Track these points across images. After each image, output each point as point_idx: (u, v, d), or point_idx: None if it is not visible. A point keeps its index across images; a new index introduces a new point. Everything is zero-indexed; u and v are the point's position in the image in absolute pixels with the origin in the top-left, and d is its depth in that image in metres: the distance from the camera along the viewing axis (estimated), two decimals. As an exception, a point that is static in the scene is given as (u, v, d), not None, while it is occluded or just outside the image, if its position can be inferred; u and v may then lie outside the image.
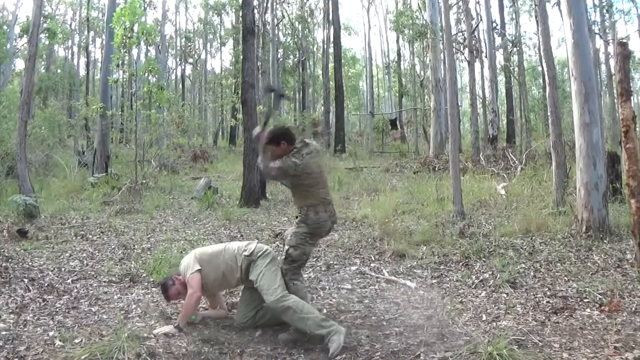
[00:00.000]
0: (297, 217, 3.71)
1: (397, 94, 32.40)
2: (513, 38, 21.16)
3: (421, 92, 25.48)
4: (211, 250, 3.81)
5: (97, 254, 5.60)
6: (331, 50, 27.03)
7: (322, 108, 29.32)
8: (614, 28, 21.46)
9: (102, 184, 10.11)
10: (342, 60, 27.86)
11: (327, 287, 4.69)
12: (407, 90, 30.42)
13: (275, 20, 24.30)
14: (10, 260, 4.93)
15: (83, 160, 13.84)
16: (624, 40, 5.77)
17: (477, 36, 18.59)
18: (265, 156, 3.60)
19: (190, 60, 36.18)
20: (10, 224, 6.47)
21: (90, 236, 6.42)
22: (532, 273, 4.61)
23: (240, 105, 12.51)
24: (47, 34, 25.58)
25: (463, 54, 16.70)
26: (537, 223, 5.99)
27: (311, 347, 3.34)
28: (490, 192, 8.81)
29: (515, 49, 20.53)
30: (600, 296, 3.87)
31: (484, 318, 3.74)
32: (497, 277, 4.52)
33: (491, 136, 15.66)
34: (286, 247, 3.60)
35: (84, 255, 5.52)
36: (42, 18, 16.79)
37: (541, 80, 21.22)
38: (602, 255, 4.91)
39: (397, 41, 30.32)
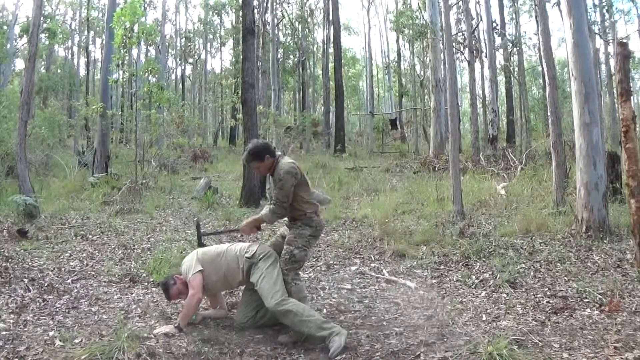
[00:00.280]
0: (295, 221, 3.69)
1: (397, 94, 32.39)
2: (513, 38, 21.16)
3: (421, 92, 25.47)
4: (213, 251, 3.80)
5: (97, 254, 5.60)
6: (331, 50, 27.04)
7: (322, 108, 29.33)
8: (614, 28, 21.46)
9: (102, 184, 10.11)
10: (342, 60, 27.86)
11: (327, 287, 4.69)
12: (407, 90, 30.41)
13: (275, 20, 24.26)
14: (10, 260, 4.93)
15: (83, 160, 13.85)
16: (624, 40, 5.78)
17: (477, 36, 18.58)
18: (277, 211, 3.57)
19: (190, 60, 36.16)
20: (10, 224, 6.48)
21: (90, 236, 6.43)
22: (532, 273, 4.61)
23: (240, 105, 12.51)
24: (47, 34, 25.56)
25: (463, 54, 16.70)
26: (537, 223, 5.99)
27: (311, 347, 3.35)
28: (490, 192, 8.81)
29: (515, 49, 20.53)
30: (600, 296, 3.87)
31: (484, 318, 3.74)
32: (497, 277, 4.52)
33: (491, 136, 15.65)
34: (290, 248, 3.59)
35: (84, 255, 5.52)
36: (42, 18, 16.78)
37: (541, 80, 21.21)
38: (602, 255, 4.91)
39: (397, 41, 30.33)
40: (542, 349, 3.07)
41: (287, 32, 31.39)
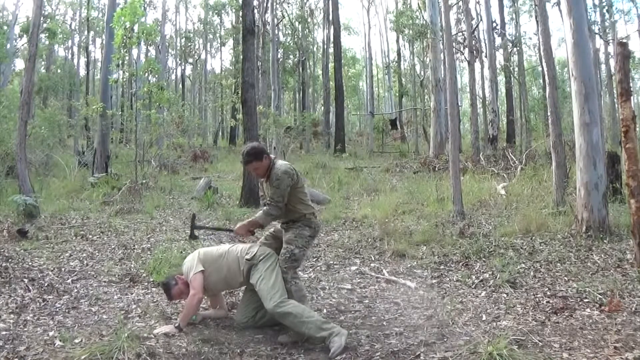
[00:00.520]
0: (294, 222, 3.69)
1: (397, 94, 32.38)
2: (513, 38, 21.16)
3: (421, 92, 25.47)
4: (215, 251, 3.80)
5: (97, 254, 5.60)
6: (331, 50, 27.02)
7: (322, 108, 29.34)
8: (614, 28, 21.50)
9: (102, 184, 10.11)
10: (342, 60, 27.85)
11: (327, 287, 4.69)
12: (407, 90, 30.41)
13: (275, 20, 24.27)
14: (10, 260, 4.92)
15: (83, 160, 13.85)
16: (624, 40, 5.78)
17: (477, 36, 18.57)
18: (272, 212, 3.57)
19: (190, 60, 36.16)
20: (10, 224, 6.47)
21: (90, 236, 6.42)
22: (532, 273, 4.61)
23: (240, 105, 12.50)
24: (47, 34, 25.57)
25: (463, 54, 16.68)
26: (537, 223, 5.99)
27: (311, 347, 3.35)
28: (490, 192, 8.81)
29: (515, 49, 20.53)
30: (600, 296, 3.87)
31: (484, 318, 3.74)
32: (497, 277, 4.52)
33: (491, 136, 15.65)
34: (290, 247, 3.60)
35: (84, 255, 5.51)
36: (42, 18, 16.80)
37: (541, 80, 21.21)
38: (602, 255, 4.91)
39: (397, 41, 30.32)
40: (542, 349, 3.07)
41: (287, 32, 31.37)
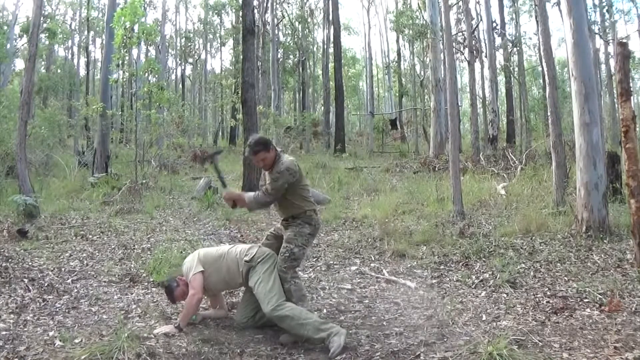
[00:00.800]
0: (295, 219, 3.70)
1: (397, 94, 32.37)
2: (513, 38, 21.16)
3: (421, 92, 25.47)
4: (215, 252, 3.80)
5: (97, 254, 5.60)
6: (331, 50, 27.01)
7: (322, 108, 29.32)
8: (614, 28, 21.49)
9: (102, 184, 10.10)
10: (342, 60, 27.83)
11: (327, 287, 4.69)
12: (407, 90, 30.41)
13: (275, 20, 24.29)
14: (10, 260, 4.92)
15: (83, 160, 13.84)
16: (624, 40, 5.78)
17: (477, 36, 18.58)
18: (261, 200, 3.58)
19: (190, 60, 36.16)
20: (10, 224, 6.47)
21: (90, 236, 6.42)
22: (532, 273, 4.61)
23: (240, 105, 12.51)
24: (47, 34, 25.57)
25: (463, 54, 16.69)
26: (537, 223, 5.99)
27: (311, 347, 3.35)
28: (490, 192, 8.81)
29: (515, 49, 20.53)
30: (600, 296, 3.87)
31: (484, 318, 3.74)
32: (497, 277, 4.52)
33: (491, 136, 15.65)
34: (290, 246, 3.60)
35: (84, 255, 5.52)
36: (42, 18, 16.79)
37: (541, 80, 21.21)
38: (602, 255, 4.91)
39: (397, 41, 30.31)
40: (542, 349, 3.07)
41: (287, 32, 31.38)
